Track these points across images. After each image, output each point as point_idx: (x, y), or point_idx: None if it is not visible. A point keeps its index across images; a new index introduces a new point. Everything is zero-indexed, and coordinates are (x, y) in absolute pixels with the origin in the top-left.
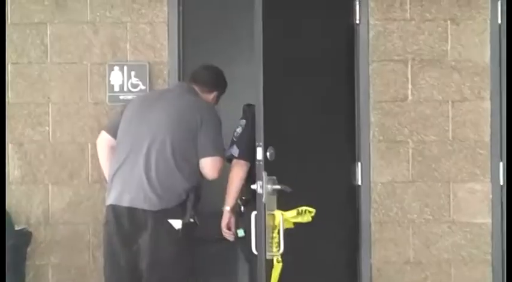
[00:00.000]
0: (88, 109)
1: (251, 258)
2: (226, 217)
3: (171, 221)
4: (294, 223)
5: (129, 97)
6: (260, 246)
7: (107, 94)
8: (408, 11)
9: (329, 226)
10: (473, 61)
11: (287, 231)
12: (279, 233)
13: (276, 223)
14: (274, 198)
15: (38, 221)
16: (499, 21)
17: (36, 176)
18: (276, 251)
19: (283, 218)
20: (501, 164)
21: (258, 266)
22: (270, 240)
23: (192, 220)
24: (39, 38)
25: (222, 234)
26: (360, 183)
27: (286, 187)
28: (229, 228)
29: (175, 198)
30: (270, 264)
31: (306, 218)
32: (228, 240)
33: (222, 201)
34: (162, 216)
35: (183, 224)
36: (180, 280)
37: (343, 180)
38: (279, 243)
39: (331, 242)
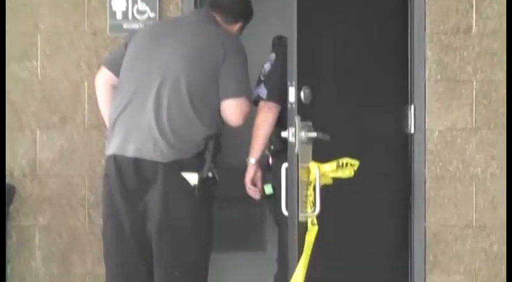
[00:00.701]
0: (85, 40)
1: (281, 221)
2: (252, 171)
3: (185, 174)
4: (333, 178)
5: (135, 26)
6: (292, 206)
7: (108, 22)
8: None
9: (375, 182)
10: None
11: (324, 189)
12: (314, 190)
13: (311, 178)
14: (309, 148)
15: (22, 174)
16: None
17: (21, 119)
18: (310, 212)
19: (320, 172)
20: None
21: (289, 230)
22: (304, 199)
23: (210, 174)
24: None
25: (246, 192)
26: (412, 131)
27: (324, 135)
28: (254, 184)
29: (191, 148)
30: (303, 227)
31: (348, 173)
32: (254, 199)
33: (246, 153)
34: (174, 169)
35: (200, 179)
36: (196, 247)
37: (392, 127)
38: (314, 202)
39: (378, 202)
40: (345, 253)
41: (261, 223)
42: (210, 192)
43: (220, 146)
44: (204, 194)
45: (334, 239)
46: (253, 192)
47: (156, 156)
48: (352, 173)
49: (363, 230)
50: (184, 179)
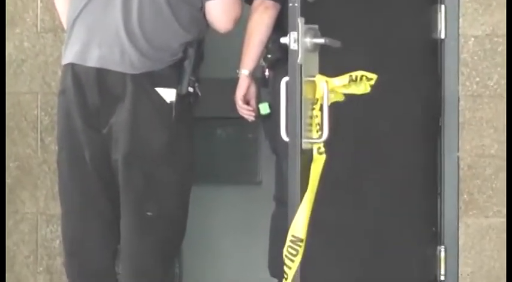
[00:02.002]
0: None
1: (279, 148)
2: (244, 85)
3: (160, 90)
4: (345, 95)
5: None
6: (293, 130)
7: None
8: None
9: (396, 99)
10: None
11: (334, 107)
12: (321, 109)
13: (318, 95)
14: (314, 58)
15: None
16: None
17: None
18: (317, 137)
19: (329, 87)
20: None
21: (290, 159)
22: (309, 121)
23: (191, 90)
24: None
25: (236, 112)
26: (443, 36)
27: (334, 41)
28: (247, 102)
29: (167, 56)
30: (307, 156)
31: (363, 88)
32: (246, 121)
33: (236, 63)
34: (146, 83)
35: (178, 96)
36: (173, 180)
37: (417, 31)
38: (321, 125)
39: (400, 124)
40: (358, 193)
41: (254, 151)
42: (190, 112)
43: (203, 55)
44: (183, 115)
45: (346, 170)
46: (245, 112)
47: (124, 67)
48: (368, 88)
49: (380, 157)
50: (158, 96)
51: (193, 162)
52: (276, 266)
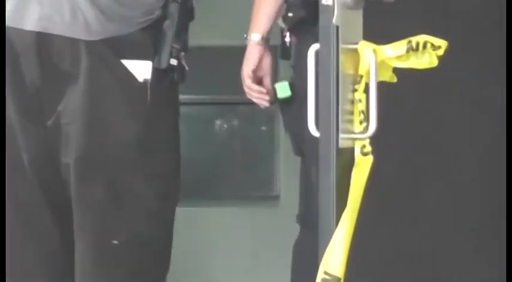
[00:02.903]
0: None
1: (305, 147)
2: (254, 57)
3: (129, 63)
4: (399, 72)
5: None
6: (326, 121)
7: None
8: None
9: (466, 79)
10: None
11: (384, 90)
12: (367, 91)
13: (362, 70)
14: (357, 18)
15: None
16: None
17: None
18: (360, 131)
19: (378, 59)
20: None
21: (322, 163)
22: (349, 108)
23: (174, 62)
24: None
25: (244, 95)
26: None
27: None
28: (259, 81)
29: (139, 15)
30: (347, 158)
31: (427, 60)
32: (257, 108)
33: (243, 25)
34: (109, 53)
35: (156, 71)
36: (152, 195)
37: None
38: (367, 113)
39: (470, 113)
40: (416, 210)
41: (270, 152)
42: (174, 94)
43: (192, 12)
44: (164, 98)
45: (400, 185)
46: (256, 95)
47: (76, 30)
48: (435, 61)
49: (446, 165)
50: (126, 72)
51: (179, 168)
52: None
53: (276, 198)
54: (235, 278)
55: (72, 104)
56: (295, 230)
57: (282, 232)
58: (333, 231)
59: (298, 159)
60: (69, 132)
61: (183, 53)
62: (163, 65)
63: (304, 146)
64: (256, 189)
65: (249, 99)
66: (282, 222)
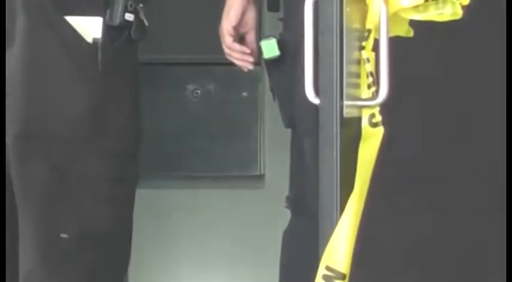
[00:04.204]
0: None
1: (298, 116)
2: (236, 9)
3: (74, 20)
4: (416, 25)
5: None
6: (328, 85)
7: None
8: None
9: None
10: None
11: (397, 47)
12: (377, 49)
13: (371, 23)
14: None
15: None
16: None
17: None
18: (369, 97)
19: (389, 10)
20: None
21: (323, 135)
22: (355, 69)
23: (130, 17)
24: None
25: (223, 54)
26: None
27: None
28: (241, 39)
29: None
30: (353, 129)
31: (450, 11)
32: (238, 70)
33: None
34: (49, 8)
35: (108, 29)
36: (106, 176)
37: None
38: (376, 76)
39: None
40: (437, 193)
41: (253, 123)
42: (130, 57)
43: None
44: (118, 62)
45: (416, 164)
46: (238, 55)
47: None
48: (459, 12)
49: (473, 140)
50: (71, 31)
51: (138, 143)
52: None
53: (260, 177)
54: (213, 269)
55: (9, 71)
56: (282, 214)
57: (267, 217)
58: (337, 220)
59: (286, 131)
60: (8, 104)
61: (141, 5)
62: (117, 21)
63: (296, 114)
64: (237, 168)
65: (229, 60)
66: (267, 205)
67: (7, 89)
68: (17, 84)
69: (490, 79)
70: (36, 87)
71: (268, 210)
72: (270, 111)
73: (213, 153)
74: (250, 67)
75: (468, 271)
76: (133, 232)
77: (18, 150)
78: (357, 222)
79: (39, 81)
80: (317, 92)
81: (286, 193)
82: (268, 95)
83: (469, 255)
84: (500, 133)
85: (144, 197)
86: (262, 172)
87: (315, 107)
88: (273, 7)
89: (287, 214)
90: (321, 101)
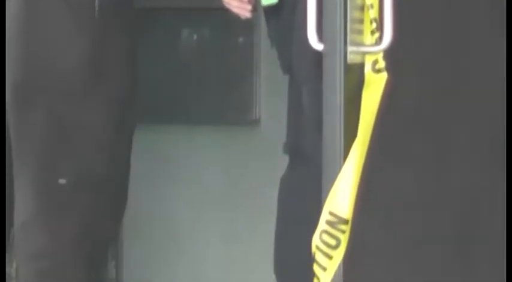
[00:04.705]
0: None
1: (297, 62)
2: None
3: None
4: None
5: None
6: (331, 29)
7: None
8: None
9: None
10: None
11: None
12: None
13: None
14: None
15: None
16: None
17: None
18: (372, 43)
19: None
20: None
21: (326, 82)
22: (359, 15)
23: None
24: None
25: (219, 0)
26: None
27: None
28: None
29: None
30: (355, 76)
31: None
32: (236, 17)
33: None
34: None
35: None
36: (102, 122)
37: None
38: (380, 21)
39: None
40: (440, 145)
41: (248, 68)
42: (127, 4)
43: None
44: (116, 8)
45: (421, 110)
46: (235, 3)
47: None
48: None
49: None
50: None
51: (134, 89)
52: (288, 262)
53: (256, 122)
54: (209, 213)
55: (8, 21)
56: (278, 159)
57: (262, 162)
58: (341, 166)
59: (282, 77)
60: (8, 54)
61: None
62: None
63: (295, 60)
64: (233, 112)
65: (227, 8)
66: (262, 151)
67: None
68: (15, 34)
69: (491, 31)
70: (34, 36)
71: (263, 155)
72: (266, 55)
73: (209, 99)
74: (248, 15)
75: (468, 214)
76: (130, 178)
77: (17, 99)
78: (360, 169)
79: (37, 30)
80: (320, 38)
81: (282, 138)
82: (264, 40)
83: (469, 199)
84: (501, 84)
85: (140, 143)
86: (257, 117)
87: (314, 54)
88: None
89: (283, 159)
90: (324, 46)
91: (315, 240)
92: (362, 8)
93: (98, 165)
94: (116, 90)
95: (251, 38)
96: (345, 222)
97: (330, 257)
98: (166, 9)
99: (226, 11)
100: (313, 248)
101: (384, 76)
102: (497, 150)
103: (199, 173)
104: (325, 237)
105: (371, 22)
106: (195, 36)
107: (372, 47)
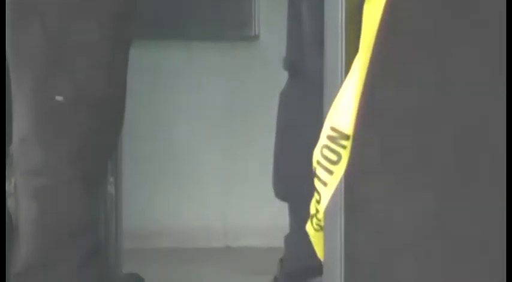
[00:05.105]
0: None
1: None
2: None
3: None
4: None
5: None
6: None
7: None
8: None
9: None
10: None
11: None
12: None
13: None
14: None
15: None
16: None
17: None
18: None
19: None
20: None
21: None
22: None
23: None
24: None
25: None
26: None
27: None
28: None
29: None
30: None
31: None
32: None
33: None
34: None
35: None
36: (98, 36)
37: None
38: None
39: None
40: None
41: None
42: None
43: None
44: None
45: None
46: None
47: None
48: None
49: None
50: None
51: (132, 3)
52: (289, 180)
53: (255, 38)
54: (209, 128)
55: None
56: (277, 75)
57: (261, 78)
58: (342, 81)
59: None
60: None
61: None
62: None
63: None
64: (231, 28)
65: None
66: (261, 67)
67: None
68: None
69: None
70: None
71: (263, 71)
72: None
73: (208, 14)
74: None
75: (467, 136)
76: (129, 94)
77: (12, 16)
78: (362, 84)
79: None
80: None
81: (282, 54)
82: None
83: (472, 116)
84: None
85: (139, 59)
86: (256, 33)
87: None
88: None
89: (282, 74)
90: None
91: (316, 155)
92: None
93: (95, 81)
94: (113, 5)
95: None
96: (346, 137)
97: (330, 172)
98: None
99: None
100: (314, 163)
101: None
102: (499, 63)
103: (198, 89)
104: (326, 152)
105: None
106: None
107: None
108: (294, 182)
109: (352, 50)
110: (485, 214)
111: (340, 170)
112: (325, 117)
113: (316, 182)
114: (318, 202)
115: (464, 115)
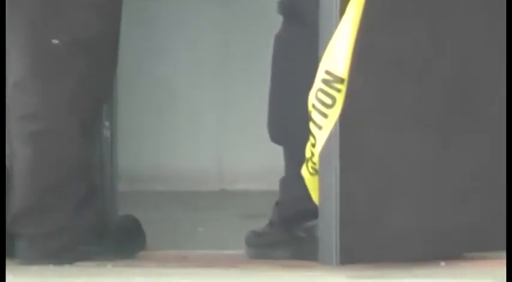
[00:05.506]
0: None
1: None
2: None
3: None
4: None
5: None
6: None
7: None
8: None
9: None
10: None
11: None
12: None
13: None
14: None
15: None
16: None
17: None
18: None
19: None
20: None
21: None
22: None
23: None
24: None
25: None
26: None
27: None
28: None
29: None
30: None
31: None
32: None
33: None
34: None
35: None
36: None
37: None
38: None
39: None
40: None
41: None
42: None
43: None
44: None
45: None
46: None
47: None
48: None
49: None
50: None
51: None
52: (284, 123)
53: None
54: (201, 80)
55: None
56: (273, 20)
57: (256, 22)
58: (337, 24)
59: None
60: None
61: None
62: None
63: None
64: None
65: None
66: (257, 11)
67: None
68: None
69: None
70: None
71: (258, 14)
72: None
73: None
74: None
75: (460, 84)
76: (125, 42)
77: None
78: (356, 27)
79: None
80: None
81: None
82: None
83: (465, 59)
84: None
85: (132, 4)
86: None
87: None
88: None
89: (277, 18)
90: None
91: (311, 99)
92: None
93: (89, 25)
94: None
95: None
96: (341, 81)
97: (325, 116)
98: None
99: None
100: (309, 106)
101: None
102: (497, 23)
103: (195, 33)
104: (321, 95)
105: None
106: None
107: None
108: (289, 125)
109: None
110: (479, 158)
111: (335, 113)
112: (320, 61)
113: (311, 126)
114: (313, 145)
115: (459, 61)
